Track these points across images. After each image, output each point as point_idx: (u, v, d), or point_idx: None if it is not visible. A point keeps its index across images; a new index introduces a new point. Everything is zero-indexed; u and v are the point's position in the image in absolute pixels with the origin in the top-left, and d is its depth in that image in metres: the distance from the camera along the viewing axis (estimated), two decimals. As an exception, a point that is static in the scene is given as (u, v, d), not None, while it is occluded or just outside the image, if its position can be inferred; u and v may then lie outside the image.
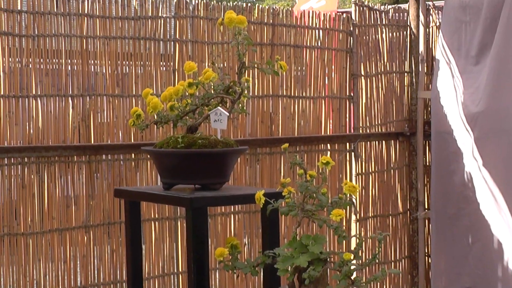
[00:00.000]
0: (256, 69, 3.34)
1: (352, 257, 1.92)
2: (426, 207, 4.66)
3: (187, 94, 2.46)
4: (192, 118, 2.47)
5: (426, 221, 4.66)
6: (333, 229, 1.95)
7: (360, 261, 1.95)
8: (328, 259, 2.00)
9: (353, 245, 4.37)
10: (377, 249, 1.95)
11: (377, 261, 4.50)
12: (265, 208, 2.17)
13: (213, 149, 2.31)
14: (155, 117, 2.48)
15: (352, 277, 1.92)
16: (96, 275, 3.77)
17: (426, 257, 4.68)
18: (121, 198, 2.71)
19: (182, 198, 2.22)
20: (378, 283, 4.51)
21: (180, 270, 3.98)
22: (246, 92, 2.45)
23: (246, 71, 2.66)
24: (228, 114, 2.35)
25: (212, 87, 2.44)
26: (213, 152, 2.31)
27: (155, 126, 2.49)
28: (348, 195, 2.05)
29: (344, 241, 2.40)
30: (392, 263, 4.63)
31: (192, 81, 2.43)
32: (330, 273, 2.01)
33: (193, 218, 2.19)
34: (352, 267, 1.91)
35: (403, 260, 4.69)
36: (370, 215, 4.50)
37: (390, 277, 4.64)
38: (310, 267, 1.95)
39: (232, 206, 4.07)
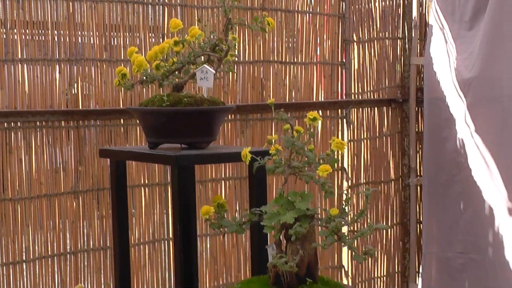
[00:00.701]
0: (245, 29, 3.29)
1: (339, 213, 1.89)
2: (418, 174, 4.63)
3: (173, 52, 2.41)
4: (178, 77, 2.43)
5: (418, 188, 4.64)
6: (320, 185, 1.92)
7: (347, 217, 1.92)
8: (315, 216, 1.97)
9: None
10: (365, 205, 1.92)
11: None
12: (251, 166, 2.13)
13: (200, 107, 2.27)
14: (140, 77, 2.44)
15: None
16: (85, 241, 3.75)
17: (418, 224, 4.66)
18: (106, 158, 2.67)
19: (168, 156, 2.19)
20: (370, 244, 4.49)
21: (170, 236, 3.96)
22: (233, 51, 2.40)
23: (235, 31, 2.62)
24: (214, 72, 2.30)
25: (199, 45, 2.39)
26: (200, 110, 2.27)
27: (142, 85, 2.45)
28: (336, 152, 2.01)
29: (331, 197, 2.36)
30: (384, 229, 4.62)
31: (178, 39, 2.38)
32: (317, 231, 1.98)
33: (179, 177, 2.15)
34: (340, 223, 1.88)
35: (394, 226, 4.68)
36: (362, 182, 4.47)
37: (382, 244, 4.63)
38: (296, 224, 1.92)
39: (222, 172, 4.04)
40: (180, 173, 2.15)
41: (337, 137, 4.38)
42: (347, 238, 1.86)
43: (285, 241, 2.04)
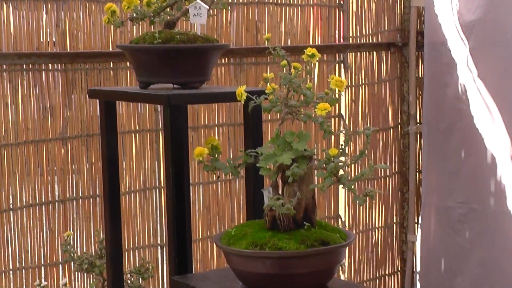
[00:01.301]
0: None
1: (338, 154, 1.86)
2: (418, 121, 4.61)
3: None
4: (170, 14, 2.38)
5: (418, 135, 4.62)
6: (318, 124, 1.89)
7: (346, 158, 1.90)
8: (313, 157, 1.95)
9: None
10: (366, 145, 1.89)
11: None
12: (247, 105, 2.10)
13: (193, 44, 2.23)
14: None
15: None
16: (74, 189, 3.73)
17: (417, 173, 4.65)
18: (95, 98, 2.64)
19: (160, 96, 2.15)
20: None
21: (161, 185, 3.94)
22: (227, -14, 2.35)
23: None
24: (208, 7, 2.26)
25: (192, -21, 2.34)
26: (193, 47, 2.23)
27: (132, 23, 2.40)
28: (335, 91, 1.98)
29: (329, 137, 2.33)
30: (382, 179, 4.62)
31: (169, -27, 2.33)
32: (315, 172, 1.96)
33: (172, 117, 2.12)
34: (339, 164, 1.86)
35: (393, 176, 4.67)
36: (361, 130, 4.45)
37: (380, 194, 4.63)
38: (294, 165, 1.90)
39: (216, 118, 4.01)
40: (172, 113, 2.12)
41: (335, 83, 4.35)
42: (346, 179, 1.84)
43: (281, 184, 2.02)
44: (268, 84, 2.04)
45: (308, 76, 1.96)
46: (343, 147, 1.89)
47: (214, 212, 4.09)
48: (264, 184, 2.27)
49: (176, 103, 2.13)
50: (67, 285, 2.69)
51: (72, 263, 3.39)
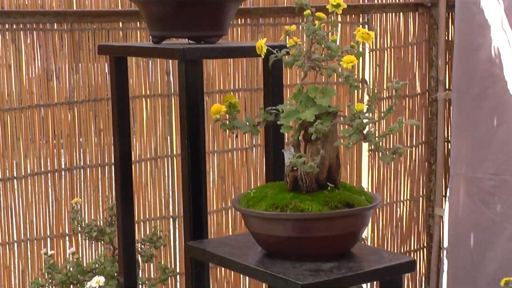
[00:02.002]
0: None
1: (365, 110, 1.86)
2: (447, 87, 4.58)
3: None
4: (184, -36, 2.37)
5: (447, 102, 4.60)
6: (344, 78, 1.89)
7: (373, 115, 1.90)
8: (337, 113, 1.95)
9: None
10: (395, 100, 1.89)
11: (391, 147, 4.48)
12: (267, 60, 2.10)
13: (209, -5, 2.22)
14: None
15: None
16: (81, 157, 3.75)
17: (446, 143, 4.64)
18: (105, 54, 2.64)
19: (174, 50, 2.15)
20: (393, 165, 4.49)
21: (174, 153, 3.96)
22: None
23: None
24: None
25: None
26: (208, -1, 2.22)
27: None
28: (361, 43, 1.98)
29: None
30: (408, 149, 4.61)
31: None
32: (340, 129, 1.96)
33: (187, 73, 2.12)
34: (365, 120, 1.86)
35: (420, 146, 4.66)
36: (384, 96, 4.44)
37: (405, 165, 4.62)
38: (317, 121, 1.90)
39: (232, 83, 4.01)
40: (188, 68, 2.12)
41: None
42: (373, 136, 1.84)
43: (304, 144, 2.02)
44: (289, 37, 2.04)
45: (333, 28, 1.96)
46: (369, 102, 1.88)
47: (229, 182, 4.10)
48: (284, 145, 2.27)
49: (192, 58, 2.13)
50: (75, 253, 2.71)
51: (80, 233, 3.42)
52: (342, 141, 1.95)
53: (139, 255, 2.72)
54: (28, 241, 3.66)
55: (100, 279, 2.53)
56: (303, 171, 1.93)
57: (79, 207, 2.73)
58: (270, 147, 2.28)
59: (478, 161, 4.37)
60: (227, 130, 2.08)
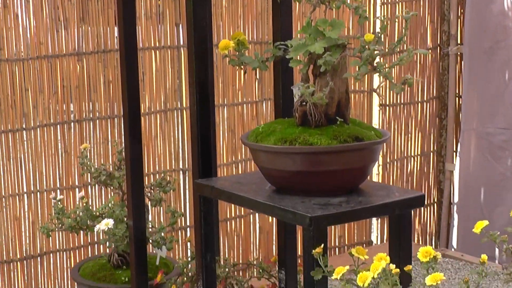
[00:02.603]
0: None
1: (374, 40, 1.83)
2: (459, 41, 4.53)
3: None
4: None
5: (458, 57, 4.55)
6: (353, 9, 1.86)
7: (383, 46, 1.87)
8: (347, 46, 1.92)
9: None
10: (403, 31, 1.86)
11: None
12: (276, -5, 2.07)
13: None
14: None
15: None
16: (91, 108, 3.74)
17: (457, 98, 4.60)
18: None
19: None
20: (403, 120, 4.45)
21: (183, 105, 3.94)
22: None
23: None
24: None
25: None
26: None
27: None
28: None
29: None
30: (419, 104, 4.57)
31: None
32: (349, 62, 1.94)
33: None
34: (375, 52, 1.83)
35: (430, 101, 4.62)
36: (397, 51, 4.39)
37: (416, 120, 4.59)
38: (326, 53, 1.88)
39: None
40: (196, 3, 2.09)
41: (369, -1, 4.29)
42: (382, 67, 1.82)
43: (313, 78, 2.00)
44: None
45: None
46: (379, 34, 1.86)
47: (239, 135, 4.08)
48: (293, 82, 2.25)
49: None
50: (84, 198, 2.70)
51: (88, 181, 3.42)
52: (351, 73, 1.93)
53: (148, 200, 2.71)
54: (38, 192, 3.66)
55: (109, 222, 2.53)
56: (312, 102, 1.91)
57: (87, 152, 2.72)
58: (278, 85, 2.26)
59: (489, 116, 4.34)
60: (236, 67, 2.05)
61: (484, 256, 1.84)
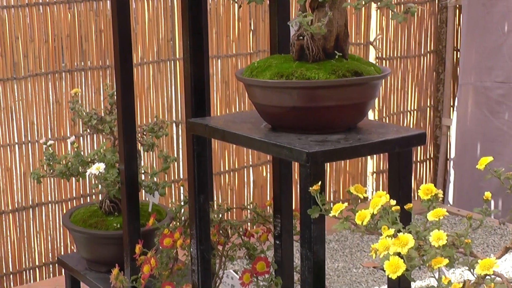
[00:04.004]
0: None
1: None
2: (457, -7, 4.46)
3: None
4: None
5: (457, 9, 4.46)
6: None
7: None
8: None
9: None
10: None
11: (398, 55, 4.36)
12: None
13: None
14: None
15: None
16: (82, 58, 3.65)
17: (455, 51, 4.51)
18: None
19: None
20: (400, 74, 4.37)
21: (177, 56, 3.85)
22: None
23: None
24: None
25: None
26: None
27: None
28: None
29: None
30: (416, 58, 4.49)
31: None
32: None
33: None
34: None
35: (428, 55, 4.53)
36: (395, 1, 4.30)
37: (413, 74, 4.51)
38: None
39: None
40: None
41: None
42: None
43: (311, 11, 1.90)
44: None
45: None
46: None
47: (233, 88, 4.00)
48: (290, 17, 2.16)
49: None
50: (75, 143, 2.62)
51: (80, 130, 3.34)
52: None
53: (140, 145, 2.63)
54: (30, 143, 3.58)
55: (100, 166, 2.45)
56: (310, 36, 1.82)
57: (78, 97, 2.63)
58: (274, 19, 2.17)
59: (487, 70, 4.26)
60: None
61: (487, 194, 1.76)
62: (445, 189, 4.51)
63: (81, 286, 2.80)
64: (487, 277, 1.54)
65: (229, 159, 4.07)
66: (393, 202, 1.65)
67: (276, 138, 1.84)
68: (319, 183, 1.74)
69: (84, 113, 2.59)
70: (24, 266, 3.65)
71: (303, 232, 1.80)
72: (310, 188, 1.74)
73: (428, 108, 4.58)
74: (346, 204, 1.69)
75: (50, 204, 3.67)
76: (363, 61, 1.95)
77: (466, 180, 4.38)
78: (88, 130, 2.57)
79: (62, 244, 3.73)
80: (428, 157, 4.64)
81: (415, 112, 4.55)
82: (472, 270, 1.56)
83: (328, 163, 4.34)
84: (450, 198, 4.48)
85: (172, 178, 3.92)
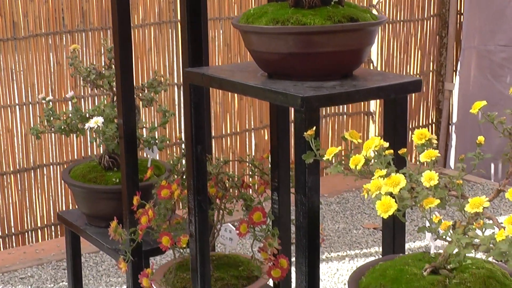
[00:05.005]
0: None
1: None
2: (461, -44, 4.44)
3: None
4: None
5: (460, -28, 4.46)
6: None
7: None
8: None
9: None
10: None
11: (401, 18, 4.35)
12: None
13: None
14: None
15: None
16: (82, 18, 3.65)
17: (458, 15, 4.50)
18: None
19: None
20: (403, 38, 4.36)
21: (178, 18, 3.85)
22: None
23: None
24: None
25: None
26: None
27: None
28: None
29: None
30: (419, 21, 4.48)
31: None
32: None
33: None
34: None
35: (431, 19, 4.52)
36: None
37: (415, 38, 4.50)
38: None
39: None
40: None
41: None
42: None
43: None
44: None
45: None
46: None
47: (235, 51, 4.00)
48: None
49: None
50: (74, 98, 2.63)
51: (82, 91, 3.35)
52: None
53: (139, 100, 2.64)
54: (30, 104, 3.60)
55: (99, 119, 2.46)
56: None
57: (77, 53, 2.64)
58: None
59: (490, 33, 4.25)
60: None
61: (481, 138, 1.77)
62: (447, 153, 4.52)
63: (81, 241, 2.82)
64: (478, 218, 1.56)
65: (230, 122, 4.08)
66: (386, 144, 1.66)
67: (272, 85, 1.85)
68: (314, 128, 1.75)
69: (83, 68, 2.60)
70: (26, 227, 3.68)
71: (298, 178, 1.81)
72: (305, 133, 1.75)
73: (431, 73, 4.58)
74: (340, 147, 1.70)
75: (51, 166, 3.69)
76: (360, 8, 1.95)
77: (468, 145, 4.39)
78: (89, 86, 2.57)
79: (64, 205, 3.75)
80: (430, 122, 4.65)
81: (418, 76, 4.54)
82: (463, 211, 1.57)
83: (330, 129, 4.36)
84: (452, 163, 4.48)
85: (174, 141, 3.93)
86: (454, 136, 4.47)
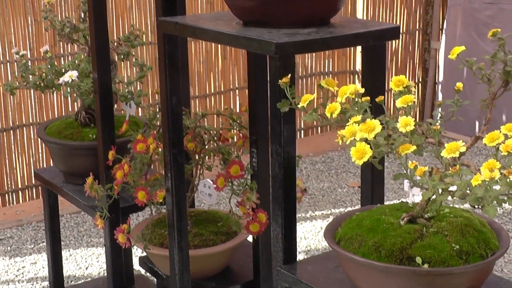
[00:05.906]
0: None
1: None
2: None
3: None
4: None
5: None
6: None
7: None
8: None
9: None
10: None
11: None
12: None
13: None
14: None
15: None
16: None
17: (444, -28, 4.45)
18: None
19: None
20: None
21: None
22: None
23: None
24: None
25: None
26: None
27: None
28: None
29: None
30: (405, -21, 4.42)
31: None
32: None
33: None
34: None
35: (417, -24, 4.47)
36: None
37: (402, -4, 4.44)
38: None
39: None
40: None
41: None
42: None
43: None
44: None
45: None
46: None
47: (219, 8, 3.93)
48: None
49: None
50: (48, 52, 2.56)
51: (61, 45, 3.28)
52: None
53: (115, 54, 2.58)
54: (8, 63, 3.53)
55: (73, 73, 2.39)
56: None
57: (51, 6, 2.57)
58: None
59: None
60: None
61: (459, 84, 1.72)
62: (433, 112, 4.48)
63: (63, 202, 2.78)
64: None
65: (214, 82, 4.03)
66: (362, 90, 1.61)
67: (246, 32, 1.79)
68: (289, 75, 1.70)
69: (57, 22, 2.53)
70: (6, 189, 3.63)
71: (273, 128, 1.77)
72: (280, 81, 1.70)
73: (417, 31, 4.53)
74: (315, 95, 1.65)
75: (31, 126, 3.64)
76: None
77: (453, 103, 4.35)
78: (64, 41, 2.50)
79: (45, 166, 3.70)
80: (416, 81, 4.60)
81: (403, 35, 4.49)
82: (440, 157, 1.53)
83: (315, 89, 4.30)
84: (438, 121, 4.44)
85: (156, 101, 3.88)
86: (440, 95, 4.43)
